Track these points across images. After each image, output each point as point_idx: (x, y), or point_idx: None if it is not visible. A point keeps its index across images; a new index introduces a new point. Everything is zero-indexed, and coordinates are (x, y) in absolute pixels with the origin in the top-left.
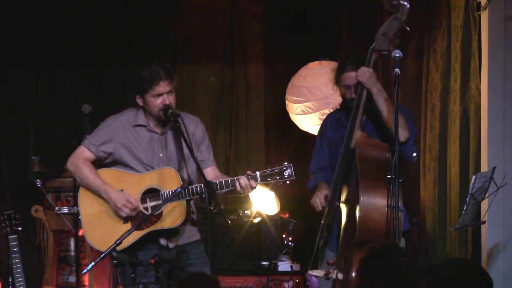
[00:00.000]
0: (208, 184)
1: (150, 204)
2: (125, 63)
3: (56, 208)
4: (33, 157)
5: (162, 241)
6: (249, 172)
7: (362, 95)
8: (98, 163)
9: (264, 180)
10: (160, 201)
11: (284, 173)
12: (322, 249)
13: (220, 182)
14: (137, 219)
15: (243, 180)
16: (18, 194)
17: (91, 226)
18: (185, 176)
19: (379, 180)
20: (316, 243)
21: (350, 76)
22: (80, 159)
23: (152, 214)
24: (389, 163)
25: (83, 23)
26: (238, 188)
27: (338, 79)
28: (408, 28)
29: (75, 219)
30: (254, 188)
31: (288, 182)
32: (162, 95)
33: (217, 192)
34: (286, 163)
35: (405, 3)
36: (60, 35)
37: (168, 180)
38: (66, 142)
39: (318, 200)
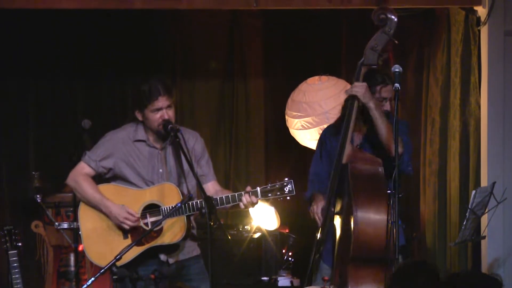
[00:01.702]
0: (208, 199)
1: (150, 219)
2: (125, 77)
3: (56, 223)
4: (33, 172)
5: (162, 257)
6: (248, 188)
7: (353, 109)
8: (99, 178)
9: (265, 196)
10: (161, 217)
11: (285, 188)
12: (317, 263)
13: (221, 198)
14: (137, 235)
15: (244, 198)
16: (18, 209)
17: (91, 241)
18: (185, 191)
19: (372, 195)
20: (311, 258)
21: (390, 89)
22: (80, 175)
23: (152, 229)
24: (381, 177)
25: (83, 40)
26: (241, 205)
27: (373, 91)
28: (396, 42)
29: (75, 234)
30: (256, 204)
31: (288, 197)
32: (161, 110)
33: (218, 207)
34: (286, 179)
35: (393, 17)
36: (60, 49)
37: (169, 195)
38: (66, 157)
39: (314, 212)
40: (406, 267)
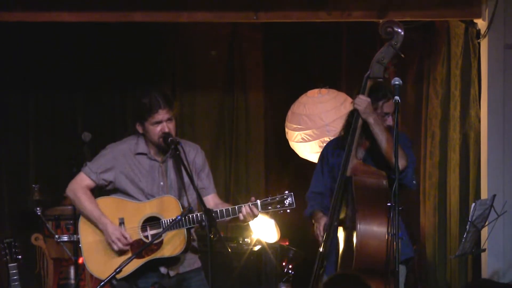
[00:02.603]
0: (208, 212)
1: (150, 232)
2: (125, 90)
3: (56, 236)
4: (33, 185)
5: (163, 269)
6: (252, 199)
7: (358, 123)
8: (98, 190)
9: (265, 209)
10: (161, 230)
11: (285, 201)
12: (321, 276)
13: (221, 211)
14: (137, 247)
15: (244, 209)
16: (18, 222)
17: (91, 253)
18: (186, 204)
19: (376, 208)
20: (314, 271)
21: (392, 104)
22: (80, 187)
23: (151, 242)
24: (385, 190)
25: (83, 51)
26: (241, 217)
27: (376, 106)
28: (403, 55)
29: (75, 247)
30: (256, 216)
31: (288, 211)
32: (161, 123)
33: (218, 220)
34: (287, 192)
35: (400, 30)
36: (60, 61)
37: (169, 208)
38: (66, 170)
39: (318, 232)
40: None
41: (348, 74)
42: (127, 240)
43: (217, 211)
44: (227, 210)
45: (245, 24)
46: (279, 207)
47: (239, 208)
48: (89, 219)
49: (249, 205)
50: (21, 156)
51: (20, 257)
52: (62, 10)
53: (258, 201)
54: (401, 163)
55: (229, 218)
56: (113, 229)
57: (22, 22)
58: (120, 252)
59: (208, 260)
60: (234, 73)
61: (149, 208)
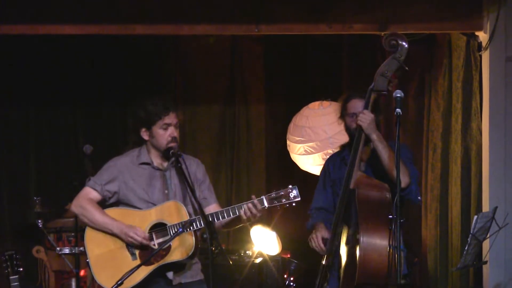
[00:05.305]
0: (209, 225)
1: (157, 240)
2: (126, 103)
3: (58, 248)
4: (35, 198)
5: (170, 276)
6: (253, 197)
7: (361, 136)
8: (102, 204)
9: (271, 203)
10: (168, 235)
11: (290, 194)
12: None
13: (227, 210)
14: (145, 254)
15: (247, 205)
16: (19, 235)
17: (99, 266)
18: (191, 211)
19: (379, 221)
20: (316, 285)
21: (356, 104)
22: (85, 200)
23: (159, 249)
24: (389, 203)
25: (84, 64)
26: (242, 213)
27: (343, 109)
28: (407, 68)
29: (77, 259)
30: (260, 210)
31: (294, 204)
32: (170, 127)
33: (220, 220)
34: (290, 186)
35: (404, 43)
36: (61, 75)
37: (173, 212)
38: (67, 183)
39: (315, 241)
40: None
41: (348, 87)
42: (144, 233)
43: (222, 210)
44: (227, 210)
45: (246, 37)
46: (285, 201)
47: (240, 206)
48: (100, 228)
49: (252, 201)
50: (22, 168)
51: (21, 269)
52: (63, 23)
53: (264, 196)
54: (404, 181)
55: (230, 218)
56: (127, 228)
57: (23, 35)
58: (129, 261)
59: (210, 273)
60: (235, 86)
61: (154, 215)
